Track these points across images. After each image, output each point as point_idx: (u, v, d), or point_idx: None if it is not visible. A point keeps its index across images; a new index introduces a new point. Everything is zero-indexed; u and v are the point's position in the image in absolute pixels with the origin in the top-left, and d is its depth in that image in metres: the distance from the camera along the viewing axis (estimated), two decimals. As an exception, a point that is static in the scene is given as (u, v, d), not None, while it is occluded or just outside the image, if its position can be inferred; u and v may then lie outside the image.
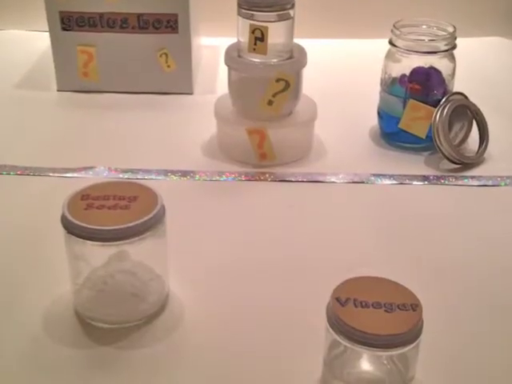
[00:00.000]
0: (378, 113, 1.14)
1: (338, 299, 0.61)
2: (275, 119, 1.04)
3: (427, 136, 1.07)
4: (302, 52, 1.05)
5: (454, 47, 1.07)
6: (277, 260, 0.85)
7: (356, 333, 0.58)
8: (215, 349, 0.71)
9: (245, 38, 1.01)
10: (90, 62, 1.25)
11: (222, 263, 0.85)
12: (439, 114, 1.04)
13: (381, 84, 1.12)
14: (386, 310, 0.60)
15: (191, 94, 1.30)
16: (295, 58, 1.04)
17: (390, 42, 1.09)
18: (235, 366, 0.69)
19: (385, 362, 0.63)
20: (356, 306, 0.60)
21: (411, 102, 1.07)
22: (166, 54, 1.25)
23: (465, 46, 1.12)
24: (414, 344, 0.60)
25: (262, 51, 1.00)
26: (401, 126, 1.08)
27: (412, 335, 0.59)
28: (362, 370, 0.63)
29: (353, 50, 1.52)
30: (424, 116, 1.06)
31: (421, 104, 1.06)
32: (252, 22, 0.99)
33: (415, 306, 0.60)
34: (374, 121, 1.16)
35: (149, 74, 1.28)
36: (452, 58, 1.08)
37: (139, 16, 1.23)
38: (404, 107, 1.07)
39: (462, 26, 1.12)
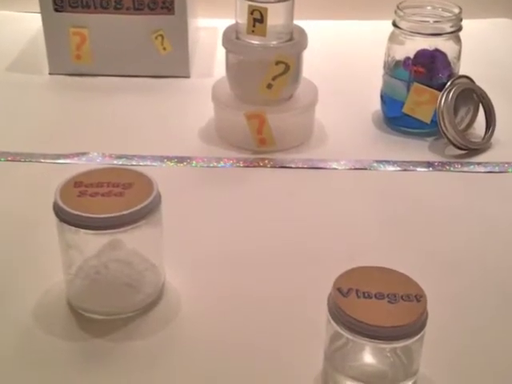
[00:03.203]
0: (381, 97, 1.14)
1: (339, 290, 0.60)
2: (275, 103, 1.04)
3: (432, 121, 1.06)
4: (302, 34, 1.04)
5: (460, 29, 1.07)
6: (276, 249, 0.85)
7: (358, 324, 0.58)
8: (213, 341, 0.71)
9: (243, 20, 1.00)
10: (83, 44, 1.25)
11: (220, 252, 0.84)
12: (444, 98, 1.04)
13: (384, 67, 1.11)
14: (389, 301, 0.59)
15: (188, 77, 1.30)
16: (295, 39, 1.03)
17: (394, 24, 1.08)
18: (233, 358, 0.69)
19: (388, 354, 0.62)
20: (358, 297, 0.60)
21: (415, 85, 1.06)
22: (162, 36, 1.24)
23: (471, 27, 1.11)
24: (419, 336, 0.59)
25: (261, 33, 0.99)
26: (404, 110, 1.08)
27: (416, 327, 0.59)
28: (365, 362, 0.63)
29: (355, 32, 1.51)
30: (428, 100, 1.05)
31: (425, 87, 1.06)
32: (251, 2, 0.98)
33: (419, 297, 0.60)
34: (376, 105, 1.15)
35: (144, 57, 1.27)
36: (457, 40, 1.08)
37: None
38: (408, 91, 1.07)
39: (468, 7, 1.12)
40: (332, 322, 0.60)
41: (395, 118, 1.12)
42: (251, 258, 0.84)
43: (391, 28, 1.08)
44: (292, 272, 0.81)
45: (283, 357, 0.69)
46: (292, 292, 0.78)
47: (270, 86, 1.01)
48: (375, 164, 1.03)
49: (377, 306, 0.59)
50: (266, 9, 0.97)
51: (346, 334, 0.59)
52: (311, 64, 1.08)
